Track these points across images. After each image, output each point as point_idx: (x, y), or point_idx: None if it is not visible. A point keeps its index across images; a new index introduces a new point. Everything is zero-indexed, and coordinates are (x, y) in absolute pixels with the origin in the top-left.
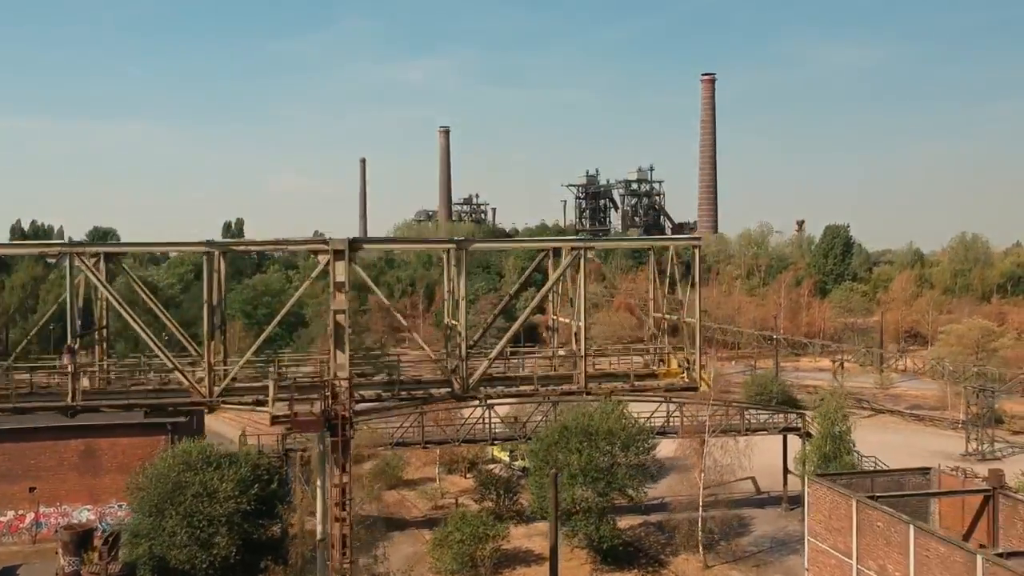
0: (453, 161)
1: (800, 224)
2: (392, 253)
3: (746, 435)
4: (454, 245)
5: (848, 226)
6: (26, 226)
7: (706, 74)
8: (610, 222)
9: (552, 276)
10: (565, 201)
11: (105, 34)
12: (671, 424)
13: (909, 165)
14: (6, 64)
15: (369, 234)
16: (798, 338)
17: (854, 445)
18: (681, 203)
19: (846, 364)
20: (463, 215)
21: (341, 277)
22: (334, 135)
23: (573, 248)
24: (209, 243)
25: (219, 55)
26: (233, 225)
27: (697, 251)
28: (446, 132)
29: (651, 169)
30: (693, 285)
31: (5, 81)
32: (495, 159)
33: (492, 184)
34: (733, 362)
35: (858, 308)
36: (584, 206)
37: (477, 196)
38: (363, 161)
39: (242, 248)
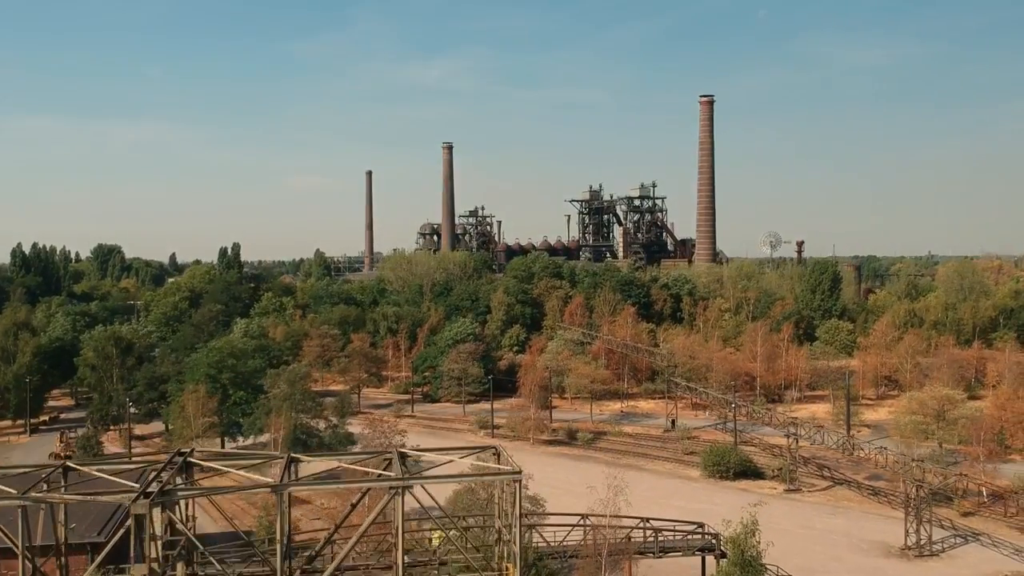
0: (462, 171)
1: (800, 244)
2: (384, 283)
3: (660, 556)
4: (269, 489)
5: (836, 262)
6: (27, 248)
7: (704, 96)
8: (613, 237)
9: (372, 514)
10: (569, 216)
11: (122, 35)
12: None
13: (921, 168)
14: (25, 64)
15: (375, 246)
16: (757, 408)
17: (766, 569)
18: (688, 210)
19: (816, 420)
20: (467, 227)
21: (151, 530)
22: (348, 135)
23: (391, 487)
24: None
25: (235, 56)
26: (230, 250)
27: (518, 484)
28: (449, 148)
29: (653, 185)
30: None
31: (23, 81)
32: (502, 168)
33: (499, 196)
34: (707, 412)
35: (829, 354)
36: (587, 221)
37: (483, 208)
38: (369, 173)
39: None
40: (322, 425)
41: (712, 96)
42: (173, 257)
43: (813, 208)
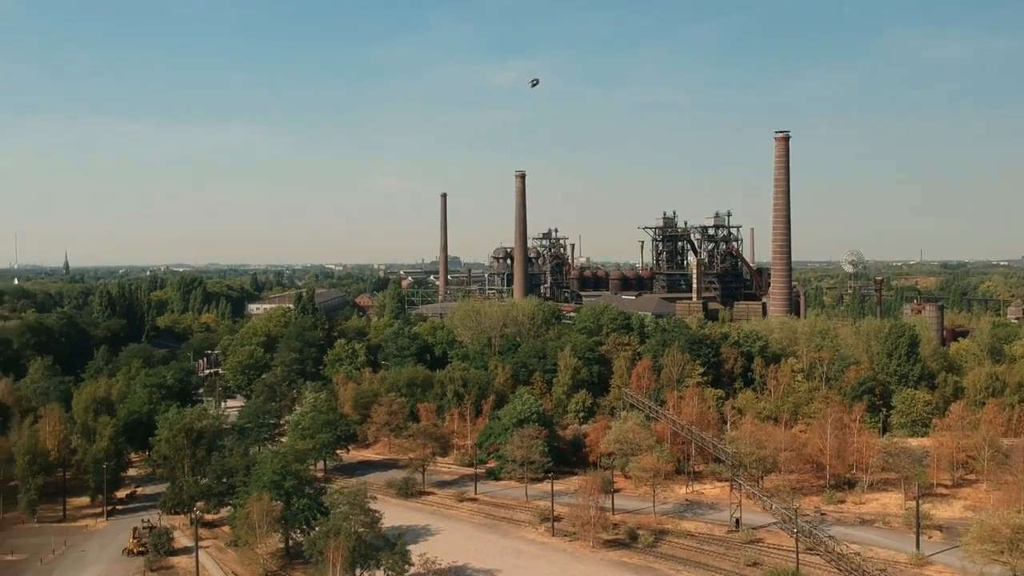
0: (539, 176)
1: (879, 283)
2: (454, 334)
3: None
4: None
5: (914, 325)
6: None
7: (780, 132)
8: (688, 265)
9: None
10: (642, 242)
11: (210, 41)
12: None
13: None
14: (114, 68)
15: (452, 251)
16: (818, 509)
17: None
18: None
19: (887, 516)
20: (540, 250)
21: None
22: (426, 138)
23: None
24: None
25: (316, 59)
26: (304, 295)
27: None
28: (522, 176)
29: (728, 215)
30: None
31: (112, 85)
32: (579, 174)
33: (573, 208)
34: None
35: (904, 429)
36: (661, 248)
37: (556, 231)
38: (444, 196)
39: None
40: (381, 543)
41: (788, 132)
42: (255, 278)
43: (895, 208)
